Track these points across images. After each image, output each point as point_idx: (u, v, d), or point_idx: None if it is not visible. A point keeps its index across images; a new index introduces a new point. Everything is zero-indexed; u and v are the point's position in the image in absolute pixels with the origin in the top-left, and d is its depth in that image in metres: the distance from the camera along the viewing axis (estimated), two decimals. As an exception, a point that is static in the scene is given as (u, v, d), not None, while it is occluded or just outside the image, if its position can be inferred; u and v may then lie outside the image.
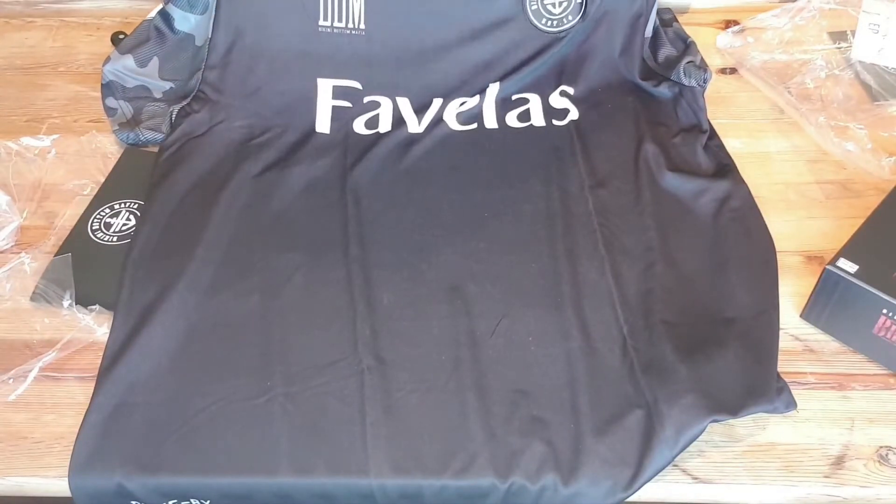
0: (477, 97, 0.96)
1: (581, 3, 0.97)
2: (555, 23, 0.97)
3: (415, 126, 0.95)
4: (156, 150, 0.94)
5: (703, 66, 0.97)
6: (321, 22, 0.97)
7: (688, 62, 0.96)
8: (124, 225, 0.86)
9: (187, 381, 0.73)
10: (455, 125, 0.95)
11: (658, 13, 1.01)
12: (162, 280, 0.80)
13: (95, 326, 0.78)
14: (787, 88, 0.98)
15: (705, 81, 0.96)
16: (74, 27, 1.13)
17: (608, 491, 0.66)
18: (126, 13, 1.13)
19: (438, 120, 0.95)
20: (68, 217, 0.88)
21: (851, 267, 0.72)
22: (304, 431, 0.70)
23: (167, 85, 0.99)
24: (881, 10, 0.97)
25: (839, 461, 0.69)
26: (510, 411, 0.70)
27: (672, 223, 0.84)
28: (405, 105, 0.97)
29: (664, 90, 0.96)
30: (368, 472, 0.68)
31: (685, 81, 0.96)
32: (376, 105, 0.97)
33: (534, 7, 0.97)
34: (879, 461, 0.69)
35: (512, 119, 0.96)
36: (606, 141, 0.93)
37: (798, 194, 0.89)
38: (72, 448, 0.69)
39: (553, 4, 0.97)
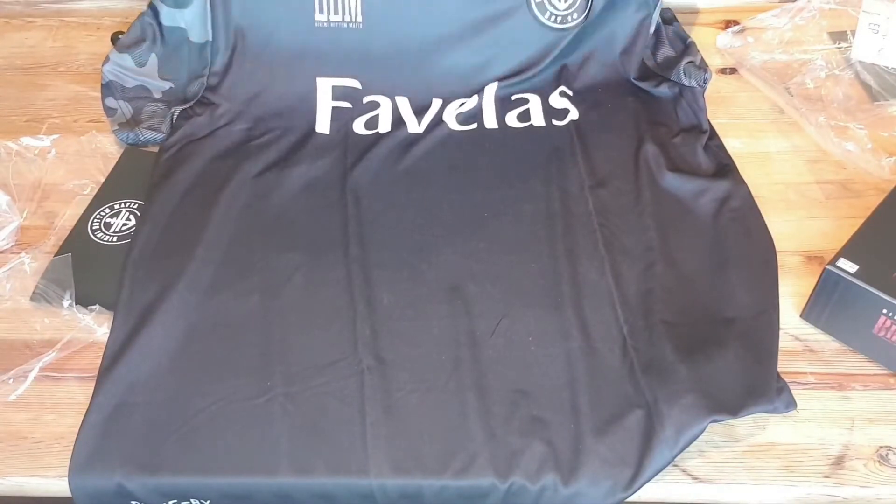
0: (476, 97, 0.96)
1: (587, 0, 0.96)
2: (559, 19, 0.97)
3: (414, 126, 0.95)
4: (156, 150, 0.94)
5: (703, 67, 0.97)
6: (317, 16, 0.97)
7: (688, 62, 0.96)
8: (124, 225, 0.86)
9: (187, 381, 0.73)
10: (455, 125, 0.95)
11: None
12: (162, 280, 0.80)
13: (95, 326, 0.78)
14: (787, 88, 0.98)
15: (705, 81, 0.95)
16: (74, 27, 1.13)
17: (608, 491, 0.66)
18: (126, 13, 1.13)
19: (438, 120, 0.95)
20: (68, 217, 0.88)
21: (851, 267, 0.72)
22: (304, 431, 0.70)
23: (166, 85, 0.99)
24: (881, 10, 0.97)
25: (839, 461, 0.69)
26: (510, 411, 0.70)
27: (672, 223, 0.84)
28: (405, 105, 0.97)
29: (664, 90, 0.96)
30: (368, 472, 0.68)
31: (685, 82, 0.95)
32: (376, 105, 0.97)
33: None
34: (879, 461, 0.69)
35: (512, 119, 0.95)
36: (606, 141, 0.92)
37: (798, 194, 0.89)
38: (72, 448, 0.69)
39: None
